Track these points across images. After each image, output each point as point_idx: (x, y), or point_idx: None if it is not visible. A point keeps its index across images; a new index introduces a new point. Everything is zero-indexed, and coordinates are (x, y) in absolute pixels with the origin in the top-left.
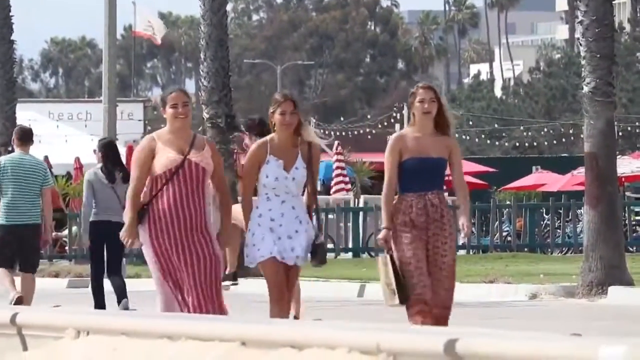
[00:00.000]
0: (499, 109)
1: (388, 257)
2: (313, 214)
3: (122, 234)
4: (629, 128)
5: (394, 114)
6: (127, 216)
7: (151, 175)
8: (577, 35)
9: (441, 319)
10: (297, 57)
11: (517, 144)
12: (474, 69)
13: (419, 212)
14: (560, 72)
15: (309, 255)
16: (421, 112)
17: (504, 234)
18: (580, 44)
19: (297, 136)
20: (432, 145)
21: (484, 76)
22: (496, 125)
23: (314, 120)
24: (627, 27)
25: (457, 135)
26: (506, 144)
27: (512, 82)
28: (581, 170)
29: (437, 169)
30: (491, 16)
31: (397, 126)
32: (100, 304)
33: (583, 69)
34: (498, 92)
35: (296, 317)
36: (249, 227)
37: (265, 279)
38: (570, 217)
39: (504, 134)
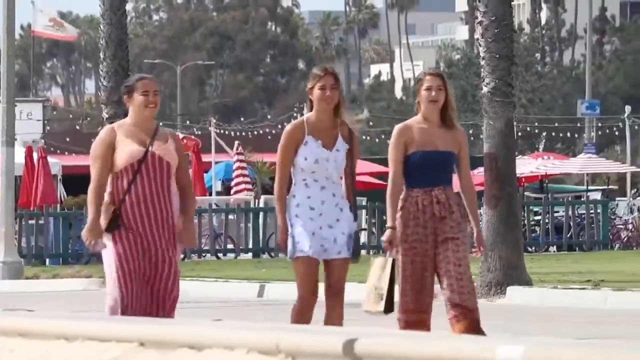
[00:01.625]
0: (399, 109)
1: (390, 260)
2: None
3: (85, 233)
4: (528, 129)
5: (295, 114)
6: (89, 214)
7: (113, 171)
8: (477, 35)
9: (471, 324)
10: (197, 57)
11: None
12: (374, 69)
13: (425, 209)
14: (460, 73)
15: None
16: (427, 101)
17: None
18: (480, 45)
19: (336, 117)
20: (440, 137)
21: (384, 77)
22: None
23: (214, 120)
24: (527, 27)
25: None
26: None
27: (412, 83)
28: (481, 170)
29: (445, 164)
30: (391, 17)
31: None
32: None
33: (482, 70)
34: (398, 93)
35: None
36: (288, 217)
37: (295, 275)
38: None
39: None
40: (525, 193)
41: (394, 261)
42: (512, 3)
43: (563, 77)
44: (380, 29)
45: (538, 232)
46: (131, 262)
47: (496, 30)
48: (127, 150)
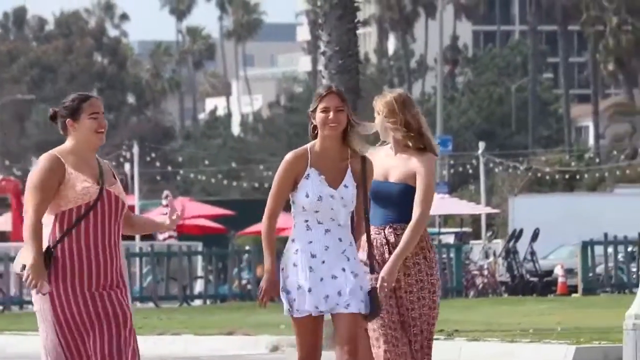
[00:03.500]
0: (236, 146)
1: None
2: (363, 249)
3: (27, 273)
4: None
5: (124, 153)
6: (28, 251)
7: (54, 209)
8: (320, 67)
9: None
10: (16, 91)
11: (257, 185)
12: (210, 103)
13: (378, 250)
14: (302, 107)
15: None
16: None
17: (244, 281)
18: (323, 77)
19: (346, 146)
20: (396, 167)
21: (220, 111)
22: (234, 165)
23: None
24: (373, 58)
25: (192, 175)
26: (245, 184)
27: (251, 118)
28: None
29: (396, 197)
30: (228, 47)
31: (127, 165)
32: None
33: None
34: (236, 129)
35: None
36: (282, 265)
37: (295, 334)
38: None
39: (242, 174)
40: None
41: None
42: (358, 32)
43: None
44: (216, 61)
45: None
46: (70, 316)
47: (340, 61)
48: (81, 187)
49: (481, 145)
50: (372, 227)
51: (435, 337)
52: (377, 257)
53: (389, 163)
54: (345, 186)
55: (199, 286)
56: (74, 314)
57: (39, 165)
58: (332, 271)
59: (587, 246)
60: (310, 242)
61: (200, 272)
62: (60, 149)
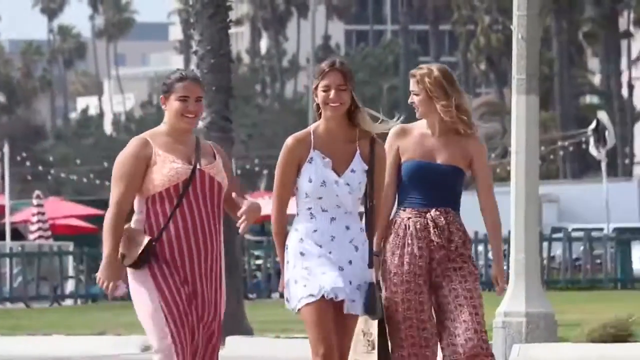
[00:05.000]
0: (108, 145)
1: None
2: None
3: (100, 274)
4: (247, 166)
5: None
6: (104, 248)
7: (145, 193)
8: (192, 66)
9: None
10: None
11: None
12: (81, 102)
13: (418, 234)
14: None
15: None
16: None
17: None
18: None
19: (354, 126)
20: (441, 148)
21: (92, 110)
22: (106, 164)
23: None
24: (246, 57)
25: (63, 175)
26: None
27: (123, 117)
28: None
29: (444, 180)
30: (99, 46)
31: None
32: None
33: None
34: (108, 128)
35: None
36: (287, 256)
37: (306, 328)
38: None
39: None
40: (246, 236)
41: (380, 298)
42: (230, 31)
43: (286, 110)
44: (87, 60)
45: (259, 278)
46: (177, 307)
47: (212, 61)
48: (169, 168)
49: None
50: (407, 210)
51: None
52: (409, 241)
53: (431, 143)
54: (352, 171)
55: (70, 286)
56: (177, 304)
57: (123, 151)
58: (340, 262)
59: None
60: (315, 230)
61: (71, 272)
62: (154, 130)
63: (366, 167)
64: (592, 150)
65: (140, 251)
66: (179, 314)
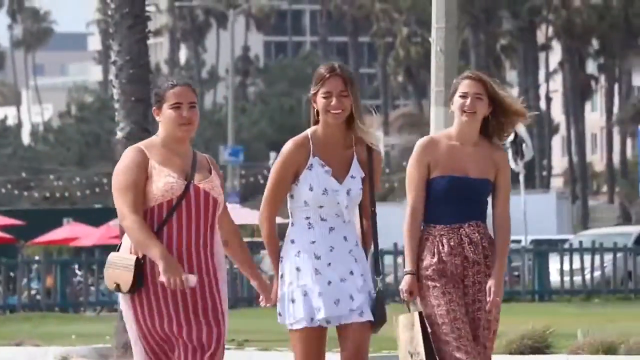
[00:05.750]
0: (26, 156)
1: (417, 315)
2: (371, 249)
3: (163, 275)
4: None
5: None
6: (150, 252)
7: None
8: (111, 77)
9: None
10: None
11: (48, 195)
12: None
13: (453, 251)
14: (93, 117)
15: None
16: (461, 111)
17: (33, 292)
18: (114, 87)
19: (351, 131)
20: (473, 160)
21: (10, 121)
22: (24, 175)
23: None
24: (165, 68)
25: None
26: (36, 194)
27: (41, 127)
28: (117, 221)
29: (477, 194)
30: (18, 56)
31: None
32: None
33: (117, 113)
34: (26, 138)
35: None
36: (281, 271)
37: (294, 351)
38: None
39: (32, 184)
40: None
41: (421, 314)
42: (149, 42)
43: (205, 121)
44: (5, 70)
45: None
46: (155, 333)
47: (131, 71)
48: (164, 182)
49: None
50: (438, 227)
51: (226, 347)
52: (444, 258)
53: (461, 155)
54: (352, 177)
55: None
56: (156, 327)
57: (121, 162)
58: (340, 274)
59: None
60: (313, 242)
61: None
62: (148, 141)
63: (363, 174)
64: (510, 162)
65: (132, 275)
66: (155, 340)
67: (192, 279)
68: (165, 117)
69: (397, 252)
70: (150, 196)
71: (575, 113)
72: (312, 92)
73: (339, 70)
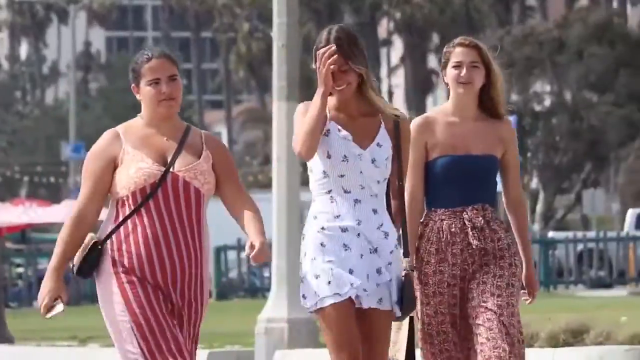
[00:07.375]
0: None
1: (407, 320)
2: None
3: (41, 292)
4: (8, 173)
5: None
6: (52, 258)
7: (114, 196)
8: None
9: None
10: None
11: None
12: None
13: (454, 237)
14: None
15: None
16: (456, 83)
17: None
18: None
19: (368, 100)
20: (476, 136)
21: None
22: None
23: None
24: (5, 64)
25: None
26: None
27: None
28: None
29: (482, 172)
30: None
31: None
32: None
33: None
34: None
35: None
36: (305, 249)
37: (326, 330)
38: None
39: None
40: (7, 244)
41: (412, 319)
42: None
43: (46, 117)
44: None
45: (20, 286)
46: (147, 310)
47: None
48: (136, 168)
49: None
50: (439, 211)
51: (68, 343)
52: (443, 247)
53: (462, 131)
54: (379, 145)
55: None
56: (144, 311)
57: (94, 146)
58: (370, 245)
59: (220, 251)
60: (338, 216)
61: None
62: (131, 121)
63: (392, 143)
64: None
65: (82, 252)
66: (148, 320)
67: (58, 309)
68: (144, 94)
69: (240, 247)
70: (121, 184)
71: (417, 107)
72: (314, 65)
73: (339, 38)
